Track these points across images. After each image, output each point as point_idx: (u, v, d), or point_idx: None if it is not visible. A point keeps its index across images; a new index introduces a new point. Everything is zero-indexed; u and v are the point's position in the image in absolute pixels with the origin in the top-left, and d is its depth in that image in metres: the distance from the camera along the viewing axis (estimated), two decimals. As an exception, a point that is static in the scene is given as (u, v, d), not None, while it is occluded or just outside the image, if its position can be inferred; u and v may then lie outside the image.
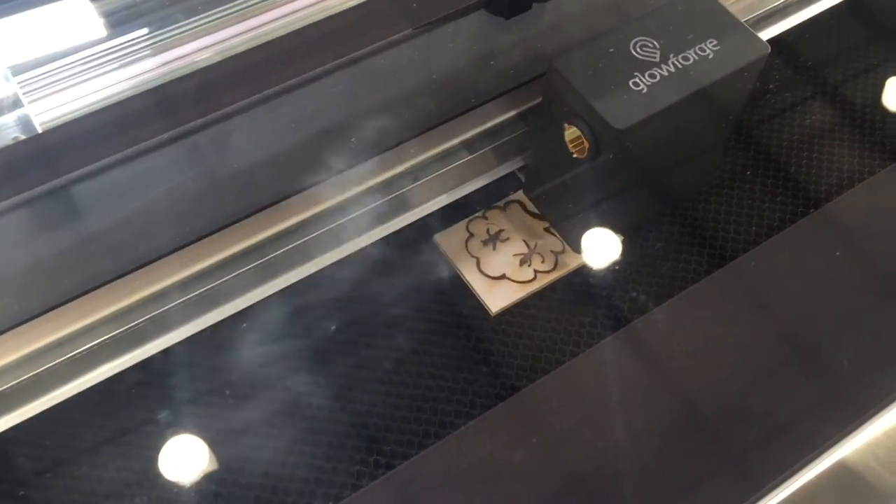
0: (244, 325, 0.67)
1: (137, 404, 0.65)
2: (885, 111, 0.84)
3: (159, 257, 0.58)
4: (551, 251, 0.72)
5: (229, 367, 0.66)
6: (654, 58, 0.61)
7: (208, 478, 0.61)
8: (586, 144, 0.60)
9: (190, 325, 0.63)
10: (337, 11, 0.70)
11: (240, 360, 0.67)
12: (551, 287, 0.70)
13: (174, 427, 0.63)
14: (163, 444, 0.60)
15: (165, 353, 0.64)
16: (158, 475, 0.61)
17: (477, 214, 0.73)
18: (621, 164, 0.61)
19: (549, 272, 0.71)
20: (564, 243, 0.72)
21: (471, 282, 0.70)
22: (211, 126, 0.63)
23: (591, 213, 0.67)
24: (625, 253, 0.72)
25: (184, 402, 0.65)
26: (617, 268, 0.71)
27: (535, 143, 0.67)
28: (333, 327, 0.68)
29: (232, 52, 0.68)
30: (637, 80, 0.59)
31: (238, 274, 0.63)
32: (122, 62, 0.68)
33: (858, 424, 0.60)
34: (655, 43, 0.61)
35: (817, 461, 0.59)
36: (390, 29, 0.68)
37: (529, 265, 0.71)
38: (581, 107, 0.59)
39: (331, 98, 0.66)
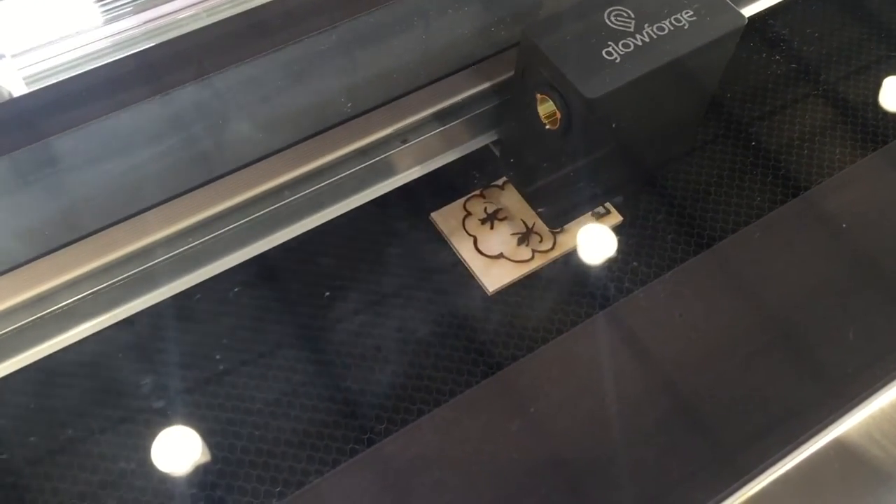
0: (236, 289, 0.67)
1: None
2: (875, 98, 0.84)
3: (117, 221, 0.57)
4: (550, 231, 0.71)
5: (216, 340, 0.66)
6: (629, 28, 0.60)
7: (187, 452, 0.61)
8: (559, 115, 0.60)
9: (169, 286, 0.62)
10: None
11: (227, 331, 0.66)
12: (549, 266, 0.70)
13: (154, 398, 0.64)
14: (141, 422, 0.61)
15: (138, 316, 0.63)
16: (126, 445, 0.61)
17: (474, 193, 0.73)
18: (595, 134, 0.60)
19: (547, 252, 0.70)
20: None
21: (468, 261, 0.69)
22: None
23: (567, 186, 0.66)
24: (619, 233, 0.71)
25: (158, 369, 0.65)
26: (613, 248, 0.71)
27: (509, 116, 0.66)
28: (326, 301, 0.68)
29: (216, 11, 0.67)
30: (610, 49, 0.58)
31: (218, 235, 0.62)
32: (105, 19, 0.67)
33: (850, 408, 0.60)
34: (630, 13, 0.60)
35: (806, 444, 0.59)
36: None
37: (527, 245, 0.71)
38: (553, 76, 0.58)
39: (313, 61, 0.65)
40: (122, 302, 0.60)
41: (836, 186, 0.72)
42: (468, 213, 0.72)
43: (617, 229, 0.72)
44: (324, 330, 0.67)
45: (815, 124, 0.81)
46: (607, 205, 0.73)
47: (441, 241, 0.71)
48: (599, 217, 0.72)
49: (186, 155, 0.60)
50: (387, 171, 0.65)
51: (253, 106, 0.62)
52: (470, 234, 0.71)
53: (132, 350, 0.65)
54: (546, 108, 0.61)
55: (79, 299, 0.57)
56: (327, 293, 0.68)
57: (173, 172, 0.59)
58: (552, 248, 0.70)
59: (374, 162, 0.63)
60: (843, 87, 0.84)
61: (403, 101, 0.63)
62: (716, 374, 0.59)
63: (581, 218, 0.72)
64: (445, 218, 0.72)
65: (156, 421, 0.62)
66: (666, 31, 0.60)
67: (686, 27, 0.60)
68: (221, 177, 0.58)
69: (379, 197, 0.70)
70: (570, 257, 0.71)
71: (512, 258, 0.70)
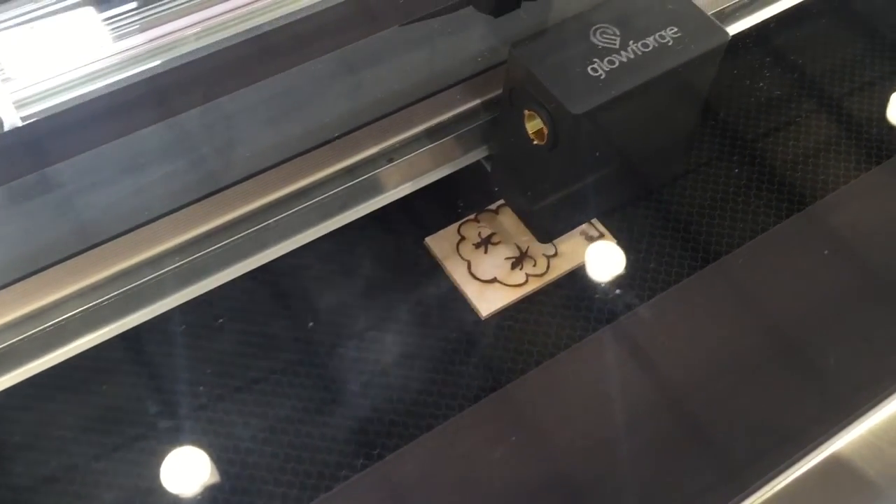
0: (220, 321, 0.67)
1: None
2: (876, 112, 0.84)
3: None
4: (543, 255, 0.72)
5: (205, 364, 0.66)
6: (614, 44, 0.60)
7: (183, 464, 0.61)
8: (545, 131, 0.60)
9: (153, 306, 0.62)
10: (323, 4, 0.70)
11: (218, 353, 0.66)
12: (543, 291, 0.70)
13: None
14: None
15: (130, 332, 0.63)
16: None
17: (469, 217, 0.73)
18: (581, 150, 0.61)
19: (541, 276, 0.71)
20: (556, 246, 0.72)
21: (461, 285, 0.70)
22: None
23: (556, 203, 0.66)
24: (614, 254, 0.72)
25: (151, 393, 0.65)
26: (608, 269, 0.71)
27: (498, 132, 0.67)
28: (316, 325, 0.68)
29: (219, 30, 0.68)
30: (596, 66, 0.59)
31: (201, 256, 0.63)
32: (110, 37, 0.68)
33: (848, 422, 0.60)
34: (615, 30, 0.61)
35: (806, 458, 0.59)
36: (377, 25, 0.68)
37: (521, 269, 0.71)
38: (539, 93, 0.59)
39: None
40: (109, 321, 0.61)
41: (836, 202, 0.73)
42: (462, 238, 0.73)
43: (611, 253, 0.72)
44: (315, 354, 0.67)
45: (810, 144, 0.81)
46: (601, 228, 0.73)
47: (435, 266, 0.71)
48: (593, 240, 0.72)
49: (168, 176, 0.60)
50: (377, 187, 0.66)
51: (237, 125, 0.63)
52: (464, 259, 0.71)
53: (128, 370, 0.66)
54: (533, 124, 0.61)
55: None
56: (311, 323, 0.68)
57: (154, 193, 0.59)
58: (546, 272, 0.71)
59: (362, 180, 0.64)
60: (846, 103, 0.85)
61: (396, 117, 0.63)
62: (711, 395, 0.60)
63: (575, 241, 0.72)
64: (439, 242, 0.72)
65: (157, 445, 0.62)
66: (650, 47, 0.60)
67: (670, 44, 0.60)
68: (205, 197, 0.58)
69: (374, 223, 0.71)
70: (564, 281, 0.71)
71: (506, 282, 0.70)
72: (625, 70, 0.59)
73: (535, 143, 0.62)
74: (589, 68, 0.59)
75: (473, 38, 0.68)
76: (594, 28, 0.61)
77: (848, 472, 0.59)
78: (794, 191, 0.77)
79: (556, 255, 0.71)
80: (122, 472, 0.61)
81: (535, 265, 0.71)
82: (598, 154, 0.62)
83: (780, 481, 0.58)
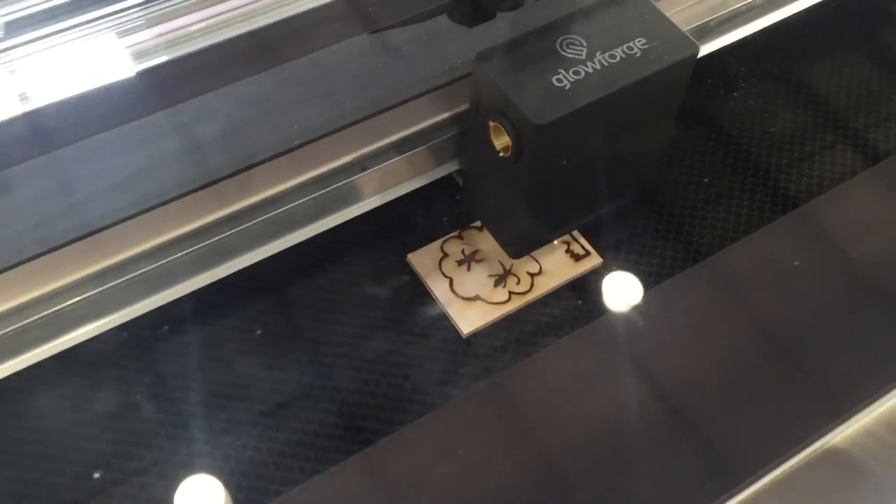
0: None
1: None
2: (863, 115, 0.84)
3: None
4: (527, 272, 0.71)
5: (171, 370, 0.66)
6: (580, 55, 0.60)
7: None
8: (510, 143, 0.60)
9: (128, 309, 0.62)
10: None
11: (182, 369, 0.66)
12: (526, 308, 0.69)
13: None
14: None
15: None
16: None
17: (452, 234, 0.72)
18: (547, 162, 0.60)
19: (524, 294, 0.70)
20: (540, 264, 0.71)
21: (443, 302, 0.69)
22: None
23: (526, 217, 0.65)
24: (598, 276, 0.71)
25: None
26: (591, 287, 0.71)
27: (467, 144, 0.66)
28: (298, 339, 0.67)
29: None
30: (561, 76, 0.58)
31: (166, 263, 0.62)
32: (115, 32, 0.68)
33: (843, 420, 0.60)
34: (582, 41, 0.60)
35: (796, 454, 0.59)
36: (346, 31, 0.68)
37: (504, 286, 0.70)
38: (503, 103, 0.58)
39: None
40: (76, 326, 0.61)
41: (827, 204, 0.73)
42: (445, 255, 0.72)
43: (595, 271, 0.72)
44: (290, 370, 0.66)
45: (794, 151, 0.81)
46: (586, 246, 0.72)
47: (417, 283, 0.71)
48: (578, 259, 0.72)
49: (132, 180, 0.60)
50: (347, 198, 0.66)
51: (207, 131, 0.62)
52: (446, 276, 0.70)
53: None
54: (499, 135, 0.61)
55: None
56: (279, 351, 0.68)
57: (115, 198, 0.59)
58: (529, 290, 0.70)
59: (334, 188, 0.64)
60: (843, 104, 0.86)
61: (363, 128, 0.63)
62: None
63: (559, 259, 0.72)
64: (422, 259, 0.71)
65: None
66: (617, 58, 0.59)
67: (638, 55, 0.60)
68: (166, 202, 0.58)
69: (356, 237, 0.71)
70: (547, 299, 0.70)
71: (488, 300, 0.69)
72: (590, 81, 0.58)
73: (501, 154, 0.61)
74: (554, 79, 0.58)
75: (445, 48, 0.67)
76: (561, 39, 0.60)
77: (838, 467, 0.59)
78: (777, 198, 0.77)
79: (540, 272, 0.71)
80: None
81: (518, 283, 0.70)
82: (565, 166, 0.62)
83: (771, 475, 0.58)
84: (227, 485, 0.58)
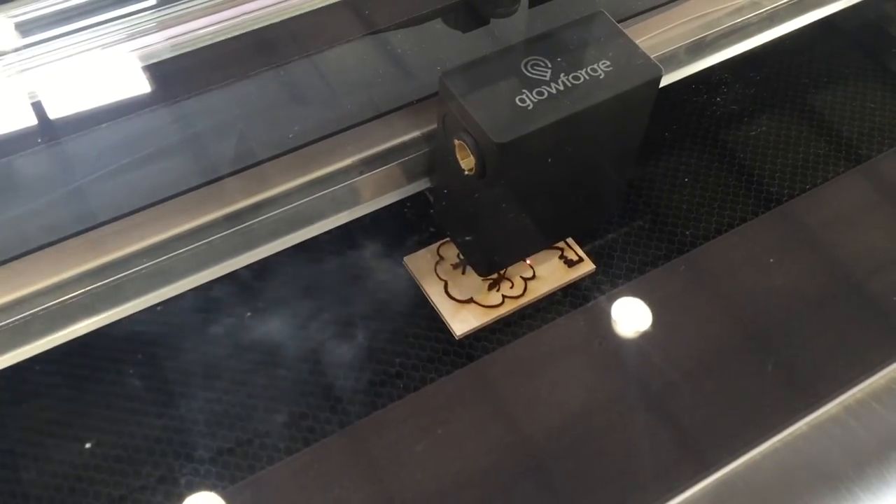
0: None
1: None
2: (838, 122, 0.87)
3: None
4: (521, 277, 0.72)
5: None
6: (545, 76, 0.60)
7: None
8: (474, 160, 0.60)
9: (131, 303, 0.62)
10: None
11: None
12: (519, 312, 0.71)
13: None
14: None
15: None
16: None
17: (448, 239, 0.73)
18: (509, 180, 0.61)
19: (517, 297, 0.71)
20: (534, 269, 0.72)
21: (437, 304, 0.70)
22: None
23: (492, 235, 0.66)
24: (593, 282, 0.73)
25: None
26: (586, 293, 0.72)
27: (434, 162, 0.67)
28: (291, 339, 0.69)
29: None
30: (524, 96, 0.59)
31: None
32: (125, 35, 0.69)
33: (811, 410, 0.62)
34: (547, 62, 0.61)
35: (770, 442, 0.60)
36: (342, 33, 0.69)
37: (498, 290, 0.71)
38: (466, 122, 0.59)
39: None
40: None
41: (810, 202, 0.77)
42: (441, 258, 0.73)
43: (590, 277, 0.73)
44: (284, 368, 0.67)
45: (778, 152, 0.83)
46: (579, 252, 0.73)
47: (412, 285, 0.72)
48: (572, 265, 0.72)
49: (115, 186, 0.61)
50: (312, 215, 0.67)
51: (189, 140, 0.64)
52: (441, 279, 0.72)
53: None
54: (463, 153, 0.61)
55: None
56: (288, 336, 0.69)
57: (108, 200, 0.60)
58: (522, 295, 0.71)
59: (297, 205, 0.65)
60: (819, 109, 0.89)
61: (327, 146, 0.64)
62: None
63: (552, 264, 0.73)
64: (417, 262, 0.73)
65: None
66: (581, 80, 0.60)
67: (602, 77, 0.60)
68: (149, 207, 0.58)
69: (353, 240, 0.74)
70: (540, 304, 0.72)
71: (482, 303, 0.71)
72: (553, 101, 0.59)
73: (465, 172, 0.62)
74: (517, 99, 0.59)
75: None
76: (526, 60, 0.61)
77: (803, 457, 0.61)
78: (760, 199, 0.80)
79: (533, 277, 0.72)
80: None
81: (511, 287, 0.71)
82: (529, 186, 0.62)
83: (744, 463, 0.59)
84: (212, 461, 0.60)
